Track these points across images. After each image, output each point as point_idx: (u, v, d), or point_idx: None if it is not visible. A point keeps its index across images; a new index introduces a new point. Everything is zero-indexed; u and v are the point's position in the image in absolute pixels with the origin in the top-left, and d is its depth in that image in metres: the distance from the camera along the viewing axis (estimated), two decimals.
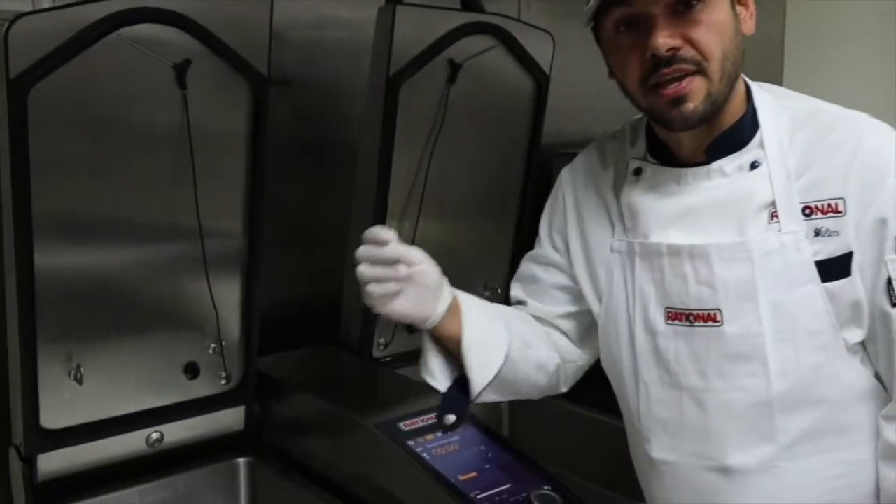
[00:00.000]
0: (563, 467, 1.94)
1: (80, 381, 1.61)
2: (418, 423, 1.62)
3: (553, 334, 1.45)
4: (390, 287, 1.25)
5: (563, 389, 1.50)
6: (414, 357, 2.09)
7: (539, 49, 2.06)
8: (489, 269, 2.24)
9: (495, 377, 1.33)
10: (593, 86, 2.65)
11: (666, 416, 1.27)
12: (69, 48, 1.43)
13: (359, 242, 1.97)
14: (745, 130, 1.23)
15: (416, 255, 1.28)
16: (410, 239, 2.03)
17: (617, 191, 1.32)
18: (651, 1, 1.13)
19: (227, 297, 1.79)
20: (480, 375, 1.32)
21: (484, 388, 1.32)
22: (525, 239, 2.25)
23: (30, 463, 1.59)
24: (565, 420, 2.16)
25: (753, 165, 1.21)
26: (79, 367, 1.61)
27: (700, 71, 1.14)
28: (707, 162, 1.22)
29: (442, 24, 1.87)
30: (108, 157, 1.58)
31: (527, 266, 1.50)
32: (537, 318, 1.46)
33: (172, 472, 1.75)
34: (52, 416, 1.60)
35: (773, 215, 1.19)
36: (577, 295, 1.41)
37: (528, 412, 2.26)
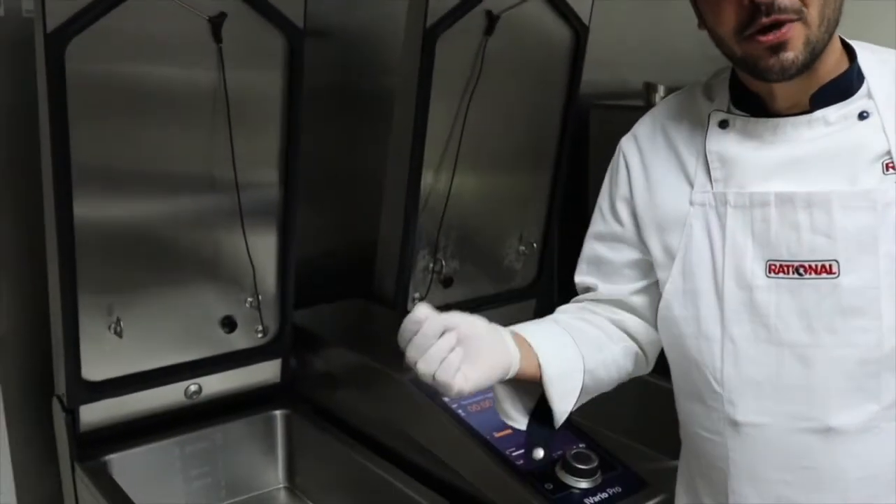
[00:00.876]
0: (594, 422, 1.96)
1: (119, 334, 1.64)
2: None
3: (626, 319, 1.37)
4: (453, 360, 1.15)
5: (649, 370, 1.43)
6: (448, 310, 2.12)
7: None
8: (526, 222, 2.23)
9: (577, 399, 1.28)
10: (629, 36, 2.64)
11: (759, 376, 1.20)
12: (105, 2, 1.42)
13: (395, 194, 2.00)
14: (850, 81, 1.18)
15: (454, 316, 1.19)
16: (447, 191, 2.01)
17: (696, 145, 1.25)
18: None
19: (264, 250, 1.79)
20: (563, 405, 1.26)
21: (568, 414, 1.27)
22: (562, 192, 2.24)
23: (72, 414, 1.62)
24: None
25: (862, 116, 1.16)
26: (119, 320, 1.63)
27: (800, 17, 1.10)
28: (809, 111, 1.17)
29: None
30: (144, 111, 1.58)
31: (590, 247, 1.41)
32: (608, 303, 1.39)
33: (210, 423, 1.78)
34: (94, 369, 1.63)
35: (888, 166, 1.14)
36: (648, 268, 1.33)
37: None
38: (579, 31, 2.05)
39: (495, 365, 1.19)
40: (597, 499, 1.36)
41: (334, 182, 2.17)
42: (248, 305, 1.81)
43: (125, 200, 1.61)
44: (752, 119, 1.21)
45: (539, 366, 1.24)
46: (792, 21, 1.09)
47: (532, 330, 1.29)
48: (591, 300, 1.39)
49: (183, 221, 1.70)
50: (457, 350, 1.14)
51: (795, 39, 1.10)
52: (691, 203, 1.24)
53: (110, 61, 1.50)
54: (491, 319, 2.14)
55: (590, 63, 2.15)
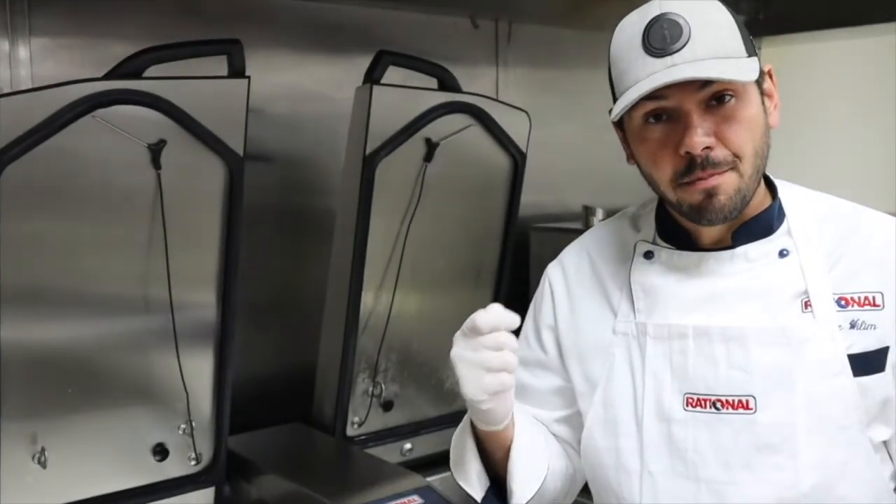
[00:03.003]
0: None
1: (44, 464, 1.57)
2: None
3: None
4: (506, 380, 1.16)
5: (569, 501, 1.41)
6: (388, 435, 2.10)
7: (516, 127, 2.07)
8: None
9: (536, 493, 1.26)
10: (568, 160, 2.72)
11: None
12: (45, 128, 1.42)
13: (334, 316, 1.99)
14: (771, 218, 1.22)
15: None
16: (387, 313, 2.01)
17: (621, 275, 1.27)
18: (686, 96, 1.11)
19: (199, 373, 1.75)
20: (523, 490, 1.24)
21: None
22: None
23: None
24: None
25: (782, 254, 1.19)
26: (43, 449, 1.57)
27: (733, 168, 1.14)
28: (732, 247, 1.20)
29: (419, 104, 1.89)
30: (79, 235, 1.57)
31: (516, 374, 1.38)
32: None
33: None
34: (14, 502, 1.55)
35: (807, 304, 1.16)
36: (571, 396, 1.34)
37: None
38: (517, 158, 2.10)
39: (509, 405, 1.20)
40: None
41: (273, 304, 2.16)
42: (181, 432, 1.75)
43: (53, 321, 1.58)
44: (677, 252, 1.23)
45: (511, 438, 1.24)
46: (724, 172, 1.14)
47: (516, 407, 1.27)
48: None
49: (114, 344, 1.66)
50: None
51: (727, 186, 1.14)
52: (614, 332, 1.26)
53: (46, 183, 1.49)
54: (433, 442, 2.14)
55: (530, 185, 2.19)
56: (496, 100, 2.09)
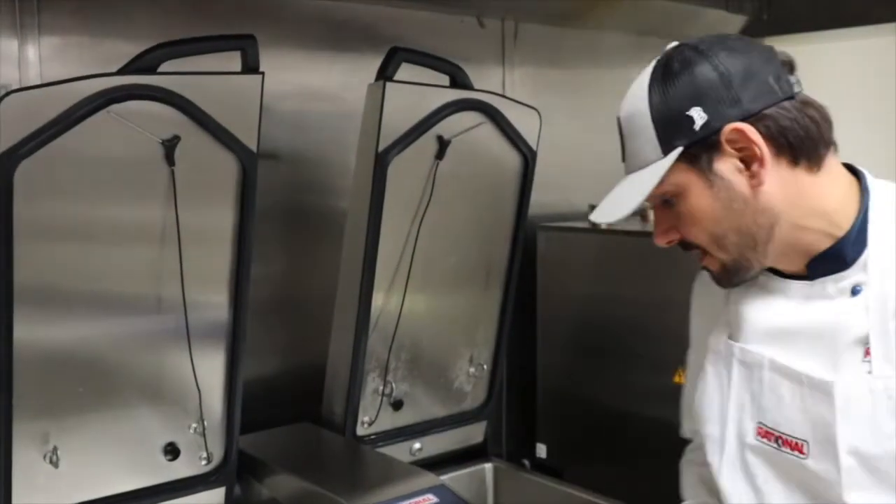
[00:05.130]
0: None
1: (55, 463, 1.56)
2: None
3: None
4: None
5: None
6: (398, 434, 2.09)
7: (526, 125, 2.06)
8: (476, 343, 2.21)
9: None
10: (575, 159, 2.71)
11: None
12: (58, 125, 1.41)
13: (344, 315, 1.98)
14: (844, 250, 1.14)
15: None
16: (398, 312, 2.00)
17: (731, 293, 1.25)
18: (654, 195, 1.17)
19: (210, 373, 1.74)
20: None
21: None
22: (511, 312, 2.24)
23: None
24: (552, 499, 2.11)
25: (854, 291, 1.13)
26: (55, 449, 1.56)
27: (707, 251, 1.17)
28: (809, 277, 1.16)
29: (431, 101, 1.88)
30: (93, 230, 1.55)
31: None
32: None
33: None
34: (25, 502, 1.54)
35: (867, 352, 1.11)
36: None
37: (514, 490, 2.21)
38: (527, 156, 2.09)
39: None
40: None
41: (284, 303, 2.15)
42: (192, 431, 1.74)
43: (66, 320, 1.56)
44: (771, 276, 1.20)
45: None
46: (704, 251, 1.18)
47: None
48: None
49: (127, 343, 1.64)
50: None
51: (711, 263, 1.19)
52: (708, 347, 1.25)
53: (60, 181, 1.48)
54: (442, 442, 2.13)
55: (536, 185, 2.18)
56: (507, 97, 2.08)
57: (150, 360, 1.68)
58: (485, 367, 2.22)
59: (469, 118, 1.95)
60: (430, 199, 1.95)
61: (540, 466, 2.46)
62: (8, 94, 1.36)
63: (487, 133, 2.01)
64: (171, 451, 1.72)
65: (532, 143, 2.09)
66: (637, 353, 2.32)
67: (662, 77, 1.13)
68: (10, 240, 1.42)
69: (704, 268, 1.20)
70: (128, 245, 1.60)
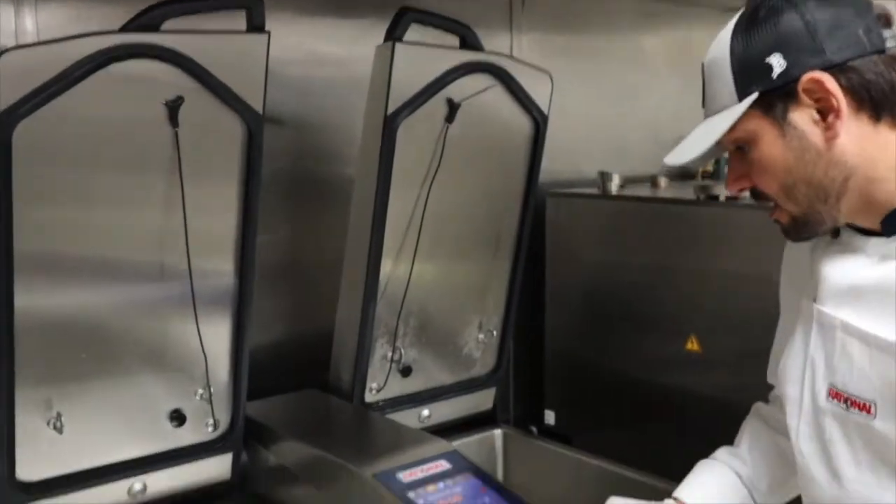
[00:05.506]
0: None
1: (59, 429, 1.54)
2: (418, 473, 1.56)
3: None
4: None
5: None
6: (406, 401, 2.07)
7: (537, 88, 2.02)
8: (486, 309, 2.18)
9: None
10: (585, 126, 2.67)
11: (817, 496, 1.18)
12: (57, 84, 1.37)
13: (352, 281, 1.96)
14: None
15: None
16: (406, 278, 1.97)
17: (814, 252, 1.23)
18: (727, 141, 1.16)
19: (216, 339, 1.72)
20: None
21: None
22: (521, 279, 2.21)
23: None
24: (562, 465, 2.10)
25: None
26: (59, 415, 1.54)
27: (777, 203, 1.15)
28: (885, 233, 1.13)
29: (440, 63, 1.83)
30: (94, 194, 1.52)
31: None
32: None
33: None
34: (29, 468, 1.52)
35: None
36: None
37: (523, 456, 2.19)
38: (538, 120, 2.05)
39: None
40: None
41: (290, 270, 2.12)
42: (198, 398, 1.72)
43: (68, 285, 1.54)
44: (853, 233, 1.17)
45: None
46: (775, 204, 1.16)
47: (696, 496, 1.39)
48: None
49: (131, 310, 1.62)
50: None
51: (780, 216, 1.17)
52: (800, 309, 1.23)
53: (60, 143, 1.44)
54: (450, 408, 2.12)
55: (546, 151, 2.15)
56: (518, 60, 2.03)
57: (154, 326, 1.65)
58: (494, 333, 2.19)
59: (479, 81, 1.91)
60: (439, 164, 1.91)
61: (548, 433, 2.45)
62: (5, 51, 1.32)
63: (498, 96, 1.97)
64: (177, 418, 1.70)
65: (543, 107, 2.05)
66: (647, 321, 2.30)
67: (747, 23, 1.12)
68: (10, 203, 1.39)
69: (776, 221, 1.17)
70: (130, 210, 1.57)
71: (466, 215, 2.07)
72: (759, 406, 1.50)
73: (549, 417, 2.53)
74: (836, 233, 1.19)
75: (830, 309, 1.16)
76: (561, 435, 2.41)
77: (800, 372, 1.21)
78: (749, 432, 1.46)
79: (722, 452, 1.46)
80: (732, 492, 1.39)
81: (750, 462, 1.42)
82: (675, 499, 1.40)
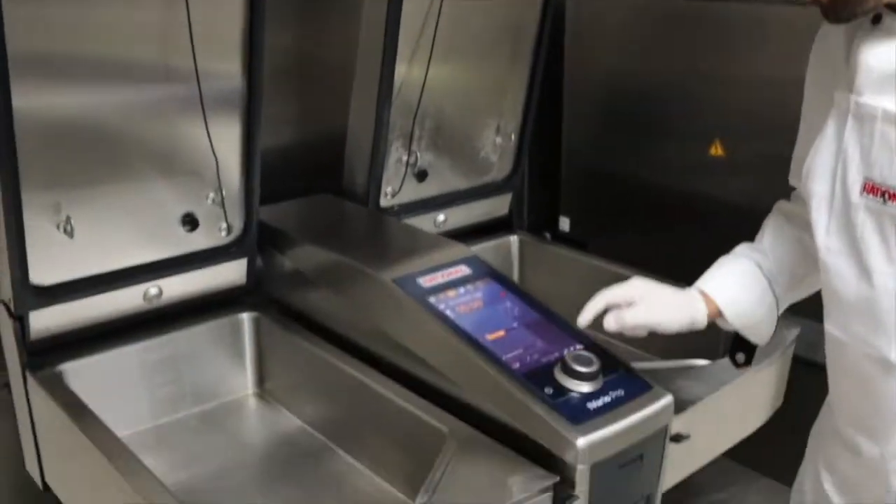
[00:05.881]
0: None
1: (70, 233, 1.49)
2: (438, 278, 1.52)
3: None
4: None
5: None
6: (422, 206, 2.02)
7: None
8: (503, 112, 2.10)
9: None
10: None
11: (841, 291, 1.15)
12: None
13: (366, 83, 1.86)
14: None
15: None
16: (422, 80, 1.87)
17: (849, 42, 1.16)
18: None
19: (226, 142, 1.64)
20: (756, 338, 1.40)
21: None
22: (539, 81, 2.11)
23: (21, 320, 1.48)
24: (578, 270, 2.08)
25: None
26: (68, 218, 1.48)
27: None
28: None
29: None
30: None
31: None
32: None
33: (173, 328, 1.66)
34: (43, 272, 1.48)
35: None
36: None
37: (539, 262, 2.17)
38: None
39: (664, 317, 1.32)
40: (599, 403, 1.28)
41: (301, 71, 2.02)
42: (210, 202, 1.66)
43: (71, 89, 1.44)
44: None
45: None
46: None
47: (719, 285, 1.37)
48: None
49: (137, 111, 1.53)
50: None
51: None
52: (832, 102, 1.16)
53: None
54: (466, 213, 2.06)
55: None
56: None
57: (162, 129, 1.57)
58: (512, 137, 2.12)
59: None
60: None
61: (562, 239, 2.43)
62: None
63: None
64: (190, 222, 1.65)
65: None
66: (669, 125, 2.22)
67: None
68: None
69: (813, 2, 1.06)
70: (130, 5, 1.45)
71: (484, 13, 1.94)
72: (781, 203, 1.47)
73: (564, 224, 2.50)
74: (876, 18, 1.11)
75: (869, 98, 1.10)
76: (576, 241, 2.38)
77: (830, 168, 1.15)
78: (771, 228, 1.44)
79: (742, 247, 1.44)
80: (753, 282, 1.38)
81: (771, 256, 1.40)
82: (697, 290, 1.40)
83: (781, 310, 1.41)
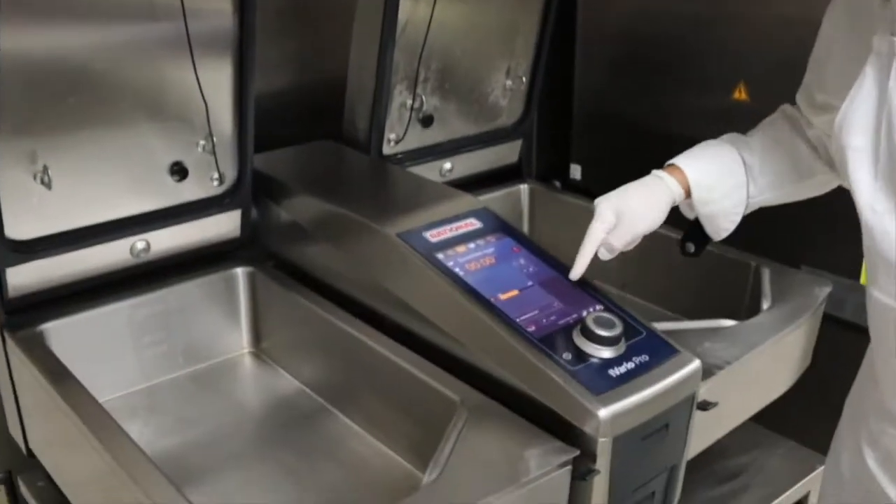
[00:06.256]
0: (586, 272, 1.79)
1: (48, 184, 1.37)
2: (446, 232, 1.41)
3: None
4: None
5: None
6: (427, 153, 1.91)
7: None
8: (514, 53, 1.97)
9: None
10: None
11: (890, 253, 1.06)
12: None
13: (367, 22, 1.73)
14: None
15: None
16: (428, 18, 1.74)
17: None
18: None
19: (217, 85, 1.52)
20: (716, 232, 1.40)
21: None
22: (554, 19, 1.98)
23: None
24: (590, 221, 1.97)
25: None
26: (45, 168, 1.36)
27: None
28: None
29: None
30: None
31: None
32: None
33: (162, 284, 1.56)
34: (20, 225, 1.37)
35: None
36: None
37: (550, 212, 2.06)
38: None
39: (646, 224, 1.33)
40: (622, 369, 1.18)
41: (297, 8, 1.88)
42: (200, 149, 1.55)
43: (47, 27, 1.31)
44: None
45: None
46: None
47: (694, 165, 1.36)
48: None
49: (119, 51, 1.40)
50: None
51: None
52: (871, 49, 1.05)
53: None
54: (474, 162, 1.95)
55: None
56: None
57: (146, 70, 1.45)
58: (523, 80, 1.99)
59: None
60: None
61: (573, 188, 2.32)
62: None
63: None
64: (179, 172, 1.53)
65: None
66: (689, 69, 2.08)
67: None
68: None
69: None
70: None
71: None
72: (786, 107, 1.41)
73: (575, 172, 2.38)
74: None
75: None
76: (587, 190, 2.27)
77: (872, 120, 1.04)
78: (768, 126, 1.40)
79: (731, 135, 1.41)
80: (731, 170, 1.35)
81: (759, 152, 1.36)
82: (668, 166, 1.38)
83: (747, 211, 1.38)
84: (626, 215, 1.31)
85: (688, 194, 1.35)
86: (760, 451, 1.63)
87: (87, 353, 1.45)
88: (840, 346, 1.70)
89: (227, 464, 1.38)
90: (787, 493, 1.53)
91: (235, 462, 1.38)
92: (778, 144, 1.36)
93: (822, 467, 1.56)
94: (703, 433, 1.32)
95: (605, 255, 1.32)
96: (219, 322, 1.63)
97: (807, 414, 1.66)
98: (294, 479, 1.34)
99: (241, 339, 1.66)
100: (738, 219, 1.37)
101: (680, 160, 1.37)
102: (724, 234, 1.40)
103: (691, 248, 1.44)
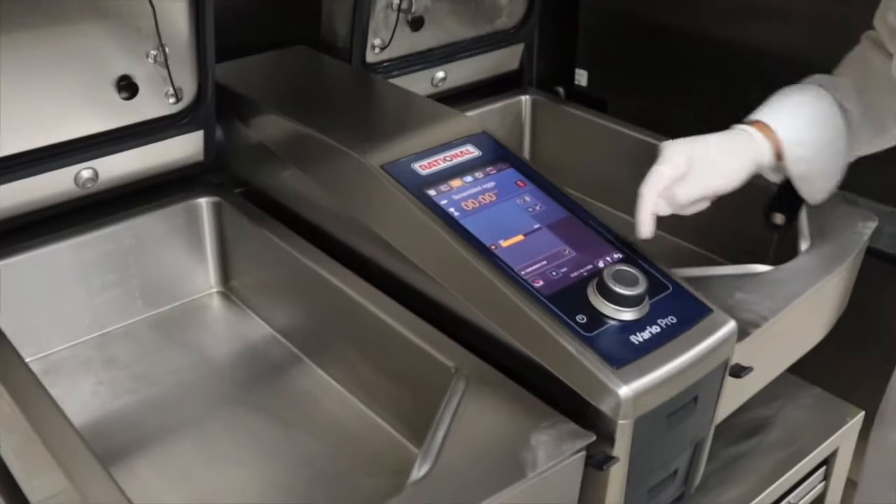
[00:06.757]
0: (594, 195, 1.63)
1: None
2: (439, 162, 1.21)
3: None
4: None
5: None
6: (417, 61, 1.68)
7: None
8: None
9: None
10: None
11: None
12: None
13: None
14: None
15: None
16: None
17: None
18: None
19: None
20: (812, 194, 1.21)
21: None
22: None
23: None
24: (597, 136, 1.77)
25: None
26: None
27: None
28: None
29: None
30: None
31: None
32: None
33: (114, 218, 1.36)
34: None
35: None
36: None
37: (554, 126, 1.85)
38: None
39: (722, 181, 1.12)
40: (646, 335, 0.99)
41: None
42: (151, 60, 1.32)
43: None
44: None
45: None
46: None
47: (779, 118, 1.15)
48: None
49: None
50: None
51: None
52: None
53: None
54: (469, 70, 1.75)
55: None
56: None
57: None
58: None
59: None
60: None
61: (579, 96, 2.11)
62: None
63: None
64: (127, 87, 1.31)
65: None
66: None
67: None
68: None
69: None
70: None
71: None
72: (871, 32, 1.19)
73: (581, 77, 2.17)
74: None
75: None
76: (594, 98, 2.07)
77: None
78: (857, 58, 1.20)
79: (818, 77, 1.19)
80: (826, 122, 1.15)
81: (854, 94, 1.16)
82: (752, 122, 1.15)
83: (850, 160, 1.20)
84: (700, 164, 1.09)
85: (778, 157, 1.14)
86: (784, 401, 1.47)
87: (28, 299, 1.27)
88: (875, 281, 1.54)
89: (189, 429, 1.21)
90: (815, 451, 1.37)
91: (198, 427, 1.21)
92: (875, 79, 1.16)
93: (852, 420, 1.41)
94: (731, 397, 1.16)
95: (663, 210, 1.09)
96: (182, 260, 1.44)
97: (835, 358, 1.50)
98: (266, 450, 1.17)
99: (207, 279, 1.47)
100: (840, 177, 1.19)
101: (764, 114, 1.15)
102: (821, 198, 1.21)
103: (780, 218, 1.24)
